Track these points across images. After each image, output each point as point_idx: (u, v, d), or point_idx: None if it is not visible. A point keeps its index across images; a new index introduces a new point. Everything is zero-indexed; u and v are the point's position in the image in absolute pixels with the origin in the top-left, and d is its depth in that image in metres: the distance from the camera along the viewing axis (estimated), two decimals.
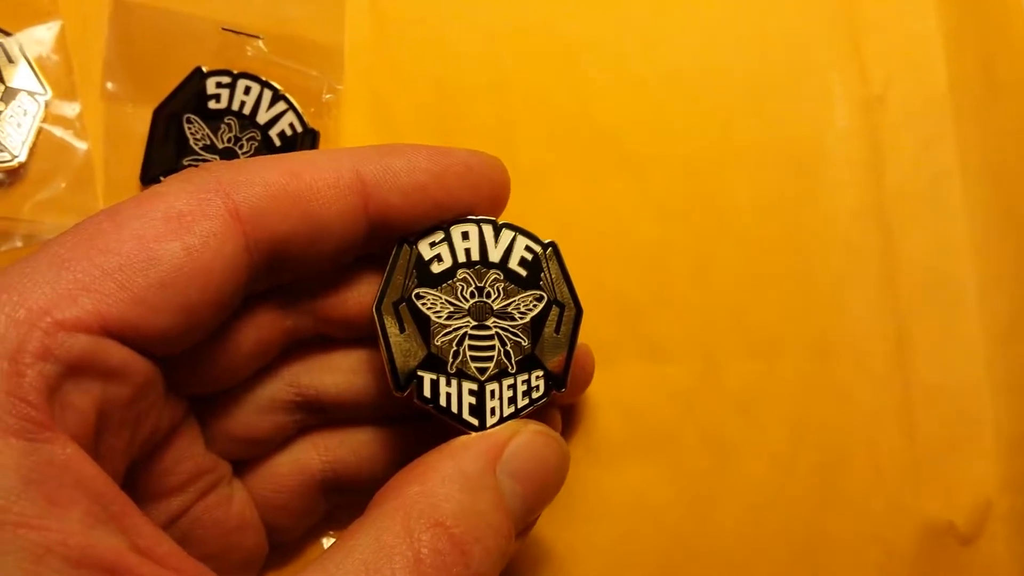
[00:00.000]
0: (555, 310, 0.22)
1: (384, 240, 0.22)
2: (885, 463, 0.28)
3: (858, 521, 0.28)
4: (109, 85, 0.30)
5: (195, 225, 0.18)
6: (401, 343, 0.21)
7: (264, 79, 0.29)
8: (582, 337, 0.23)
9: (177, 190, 0.19)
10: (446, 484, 0.18)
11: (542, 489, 0.20)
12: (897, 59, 0.31)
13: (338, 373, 0.23)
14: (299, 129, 0.29)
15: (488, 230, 0.22)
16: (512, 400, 0.21)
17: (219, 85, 0.29)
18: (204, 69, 0.29)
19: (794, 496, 0.28)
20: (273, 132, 0.29)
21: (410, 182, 0.21)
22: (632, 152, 0.30)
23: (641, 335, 0.29)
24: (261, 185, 0.19)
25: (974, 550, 0.28)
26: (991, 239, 0.30)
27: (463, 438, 0.20)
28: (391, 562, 0.17)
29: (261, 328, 0.22)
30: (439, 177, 0.21)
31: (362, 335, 0.23)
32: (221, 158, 0.29)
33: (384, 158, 0.21)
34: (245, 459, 0.24)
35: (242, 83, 0.29)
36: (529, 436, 0.20)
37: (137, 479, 0.20)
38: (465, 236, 0.22)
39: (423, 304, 0.21)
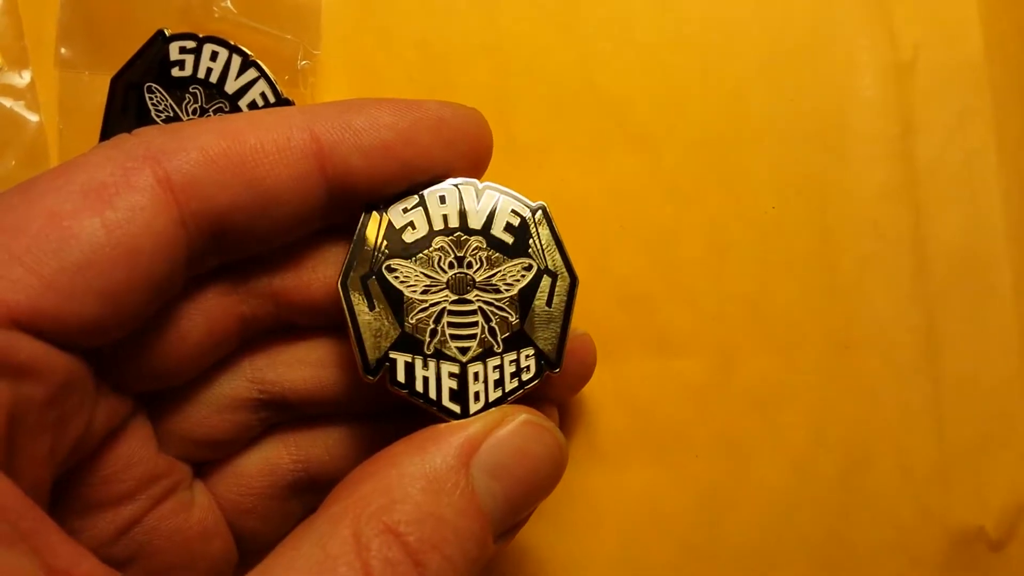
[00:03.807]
0: (546, 280, 0.20)
1: (349, 209, 0.20)
2: (912, 465, 0.27)
3: (883, 527, 0.27)
4: (63, 51, 0.28)
5: (118, 198, 0.16)
6: (371, 322, 0.19)
7: (233, 44, 0.27)
8: (584, 325, 0.21)
9: (101, 159, 0.17)
10: (405, 482, 0.17)
11: (527, 488, 0.19)
12: (929, 22, 0.29)
13: (305, 367, 0.22)
14: (272, 99, 0.28)
15: (468, 192, 0.20)
16: (499, 383, 0.20)
17: (183, 50, 0.27)
18: (167, 32, 0.27)
19: (814, 501, 0.27)
20: (243, 102, 0.28)
21: (373, 140, 0.19)
22: (640, 125, 0.29)
23: (650, 326, 0.28)
24: (197, 150, 0.17)
25: (1005, 556, 0.27)
26: None
27: (436, 427, 0.18)
28: (335, 574, 0.15)
29: (211, 315, 0.20)
30: (406, 134, 0.19)
31: (330, 322, 0.21)
32: None
33: (342, 115, 0.19)
34: (207, 461, 0.22)
35: (208, 48, 0.27)
36: (515, 427, 0.18)
37: (78, 487, 0.19)
38: (442, 200, 0.20)
39: (395, 277, 0.20)
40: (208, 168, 0.17)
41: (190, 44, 0.27)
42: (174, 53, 0.27)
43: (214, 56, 0.27)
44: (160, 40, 0.27)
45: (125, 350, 0.18)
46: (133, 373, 0.19)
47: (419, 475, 0.17)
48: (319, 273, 0.21)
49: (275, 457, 0.23)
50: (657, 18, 0.29)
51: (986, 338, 0.28)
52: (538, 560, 0.27)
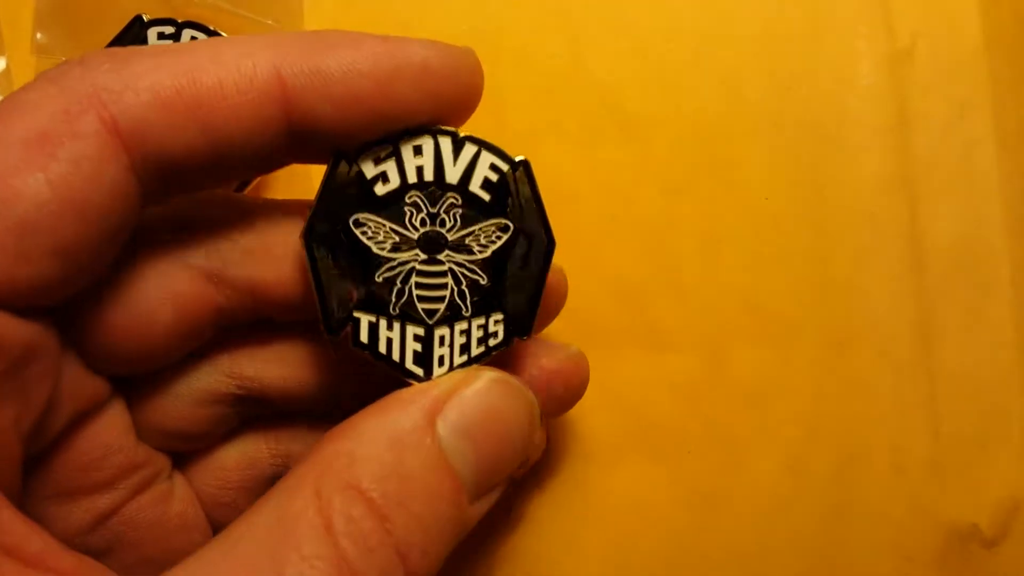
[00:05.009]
0: (523, 242, 0.19)
1: (315, 152, 0.19)
2: (907, 462, 0.27)
3: (877, 525, 0.26)
4: (40, 36, 0.27)
5: (61, 149, 0.15)
6: (335, 278, 0.18)
7: (213, 29, 0.27)
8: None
9: (42, 99, 0.16)
10: (368, 442, 0.16)
11: (499, 447, 0.18)
12: (927, 11, 0.29)
13: (285, 365, 0.21)
14: None
15: (446, 144, 0.19)
16: (465, 348, 0.19)
17: (161, 36, 0.27)
18: (145, 18, 0.27)
19: (808, 498, 0.27)
20: None
21: (346, 90, 0.17)
22: (632, 114, 0.28)
23: (641, 320, 0.27)
24: (148, 92, 0.16)
25: (998, 554, 0.27)
26: None
27: (400, 391, 0.18)
28: (296, 532, 0.15)
29: (183, 302, 0.19)
30: (385, 83, 0.17)
31: (310, 318, 0.21)
32: None
33: (314, 56, 0.17)
34: (185, 452, 0.22)
35: (188, 34, 0.27)
36: (482, 384, 0.18)
37: (55, 474, 0.19)
38: (418, 151, 0.19)
39: (363, 232, 0.19)
40: (160, 112, 0.16)
41: (169, 30, 0.26)
42: (152, 39, 0.26)
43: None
44: (138, 26, 0.27)
45: (90, 330, 0.18)
46: (100, 354, 0.19)
47: (383, 435, 0.16)
48: (298, 271, 0.20)
49: (253, 451, 0.22)
50: (650, 5, 0.29)
51: (982, 333, 0.27)
52: (526, 559, 0.26)
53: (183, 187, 0.18)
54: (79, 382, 0.18)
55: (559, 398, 0.21)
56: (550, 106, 0.28)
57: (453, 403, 0.17)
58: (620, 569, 0.26)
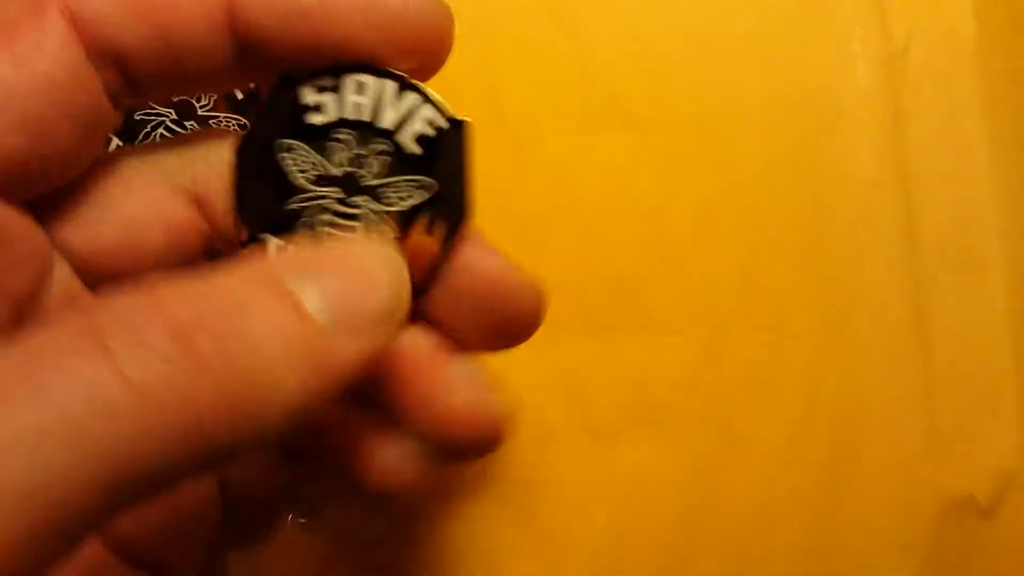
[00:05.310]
0: (438, 204, 0.18)
1: (265, 71, 0.19)
2: (903, 436, 0.27)
3: (874, 497, 0.27)
4: None
5: (23, 34, 0.16)
6: (252, 195, 0.19)
7: None
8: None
9: None
10: (178, 279, 0.14)
11: (345, 278, 0.16)
12: (922, 12, 0.29)
13: None
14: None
15: (391, 87, 0.18)
16: None
17: None
18: None
19: (807, 477, 0.27)
20: None
21: (288, 6, 0.17)
22: (632, 107, 0.28)
23: (640, 305, 0.28)
24: None
25: (994, 523, 0.27)
26: (1018, 212, 0.28)
27: None
28: (54, 352, 0.12)
29: (170, 221, 0.19)
30: (330, 5, 0.18)
31: None
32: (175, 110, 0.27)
33: None
34: None
35: None
36: (330, 240, 0.18)
37: None
38: (360, 88, 0.18)
39: (290, 158, 0.19)
40: (115, 8, 0.17)
41: None
42: None
43: None
44: None
45: (82, 246, 0.18)
46: (96, 275, 0.19)
47: (202, 276, 0.14)
48: None
49: None
50: (647, 1, 0.29)
51: (976, 307, 0.27)
52: (527, 541, 0.27)
53: (144, 89, 0.19)
54: (74, 289, 0.19)
55: (461, 440, 0.19)
56: (550, 99, 0.28)
57: (291, 250, 0.17)
58: (619, 550, 0.26)
